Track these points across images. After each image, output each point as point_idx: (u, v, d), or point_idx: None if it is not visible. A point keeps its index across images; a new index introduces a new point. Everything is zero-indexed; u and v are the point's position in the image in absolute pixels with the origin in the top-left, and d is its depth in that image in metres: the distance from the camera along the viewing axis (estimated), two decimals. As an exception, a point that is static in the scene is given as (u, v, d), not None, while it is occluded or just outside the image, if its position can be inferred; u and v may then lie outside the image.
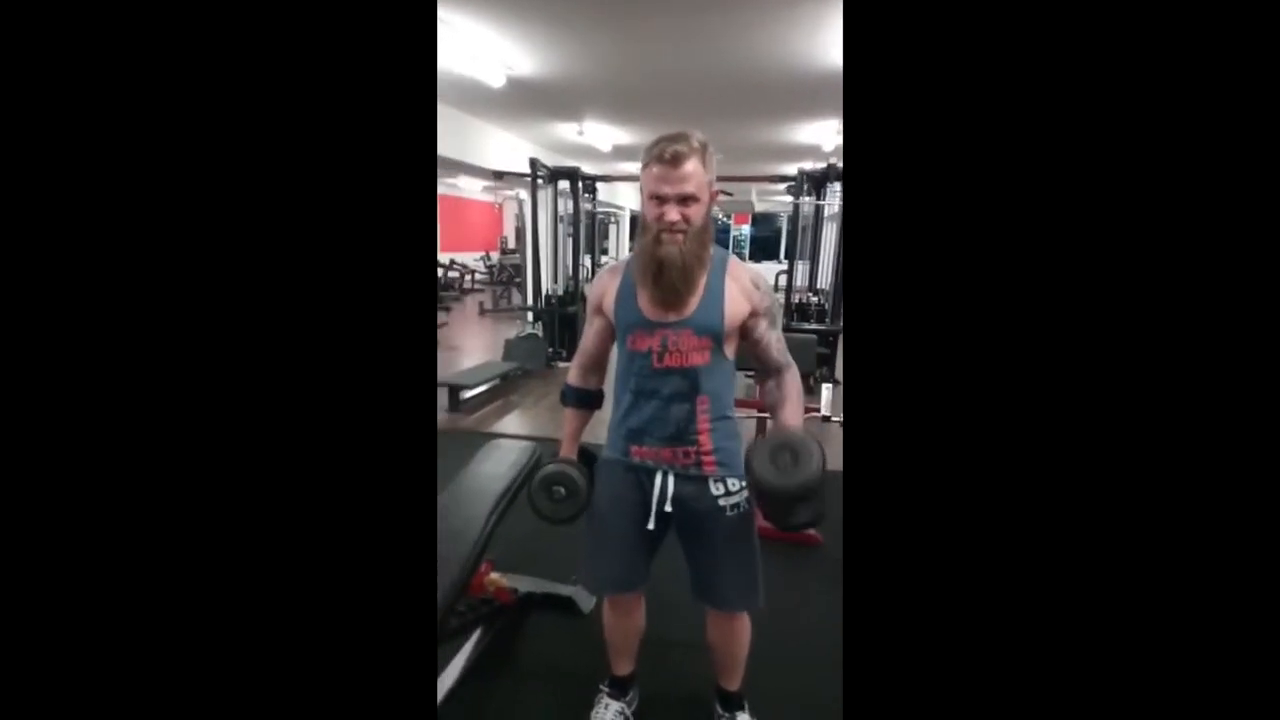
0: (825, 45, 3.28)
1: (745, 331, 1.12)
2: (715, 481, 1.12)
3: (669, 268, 1.02)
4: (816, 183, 4.80)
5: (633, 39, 3.38)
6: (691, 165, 0.99)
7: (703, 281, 1.06)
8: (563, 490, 1.17)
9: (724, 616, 1.24)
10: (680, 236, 1.01)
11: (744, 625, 1.25)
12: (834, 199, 4.79)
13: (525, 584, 1.78)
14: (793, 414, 1.12)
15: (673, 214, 1.00)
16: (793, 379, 1.14)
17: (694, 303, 1.06)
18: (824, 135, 5.63)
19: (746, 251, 13.26)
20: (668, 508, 1.12)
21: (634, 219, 12.14)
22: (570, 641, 1.65)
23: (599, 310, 1.17)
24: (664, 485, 1.12)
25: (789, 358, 1.15)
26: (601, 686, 1.36)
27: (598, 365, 1.24)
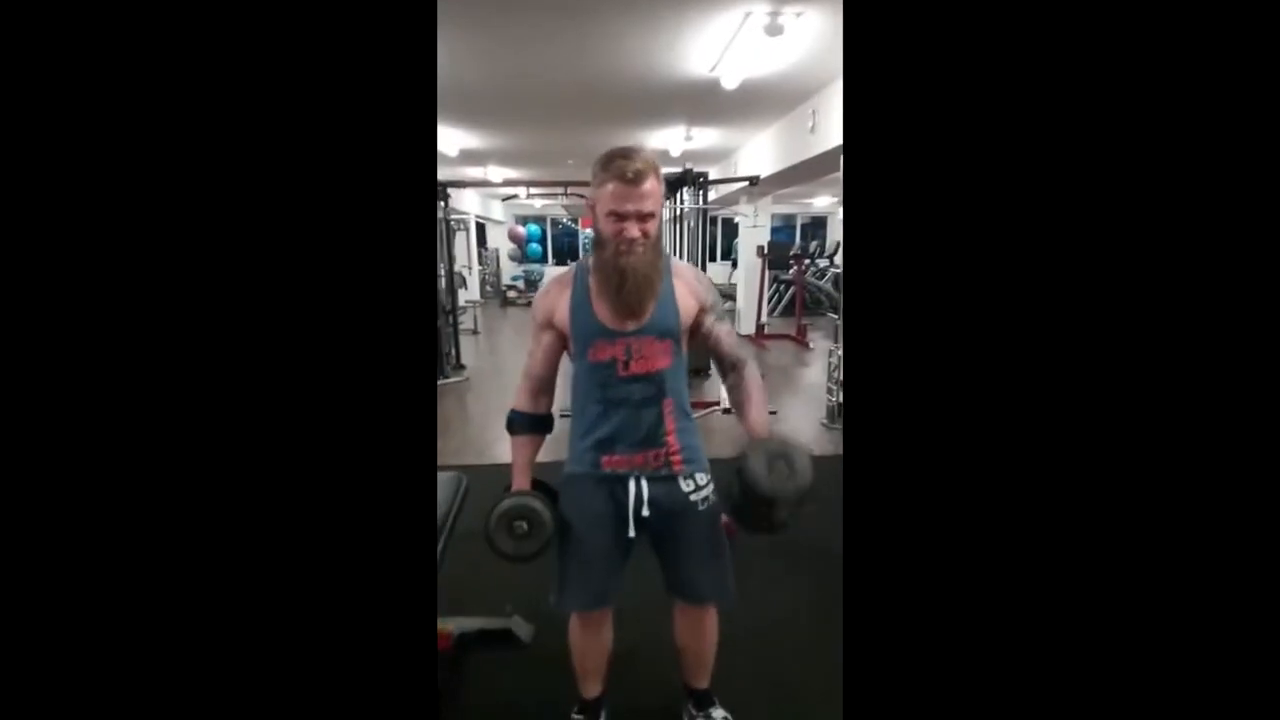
0: (680, 54, 3.41)
1: (695, 328, 1.14)
2: (685, 479, 1.14)
3: (632, 277, 1.03)
4: (672, 186, 4.99)
5: (482, 42, 3.27)
6: (650, 183, 1.01)
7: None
8: (525, 525, 1.11)
9: (695, 614, 1.25)
10: (640, 249, 1.02)
11: (714, 621, 1.27)
12: (688, 200, 5.02)
13: (457, 624, 1.65)
14: (759, 413, 1.16)
15: (633, 230, 1.02)
16: (752, 375, 1.18)
17: (650, 308, 1.07)
18: (673, 140, 5.86)
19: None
20: (645, 512, 1.12)
21: (480, 226, 11.74)
22: (517, 675, 1.56)
23: (548, 325, 1.14)
24: (639, 491, 1.12)
25: (742, 350, 1.19)
26: (574, 716, 1.31)
27: (548, 385, 1.19)
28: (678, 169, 4.86)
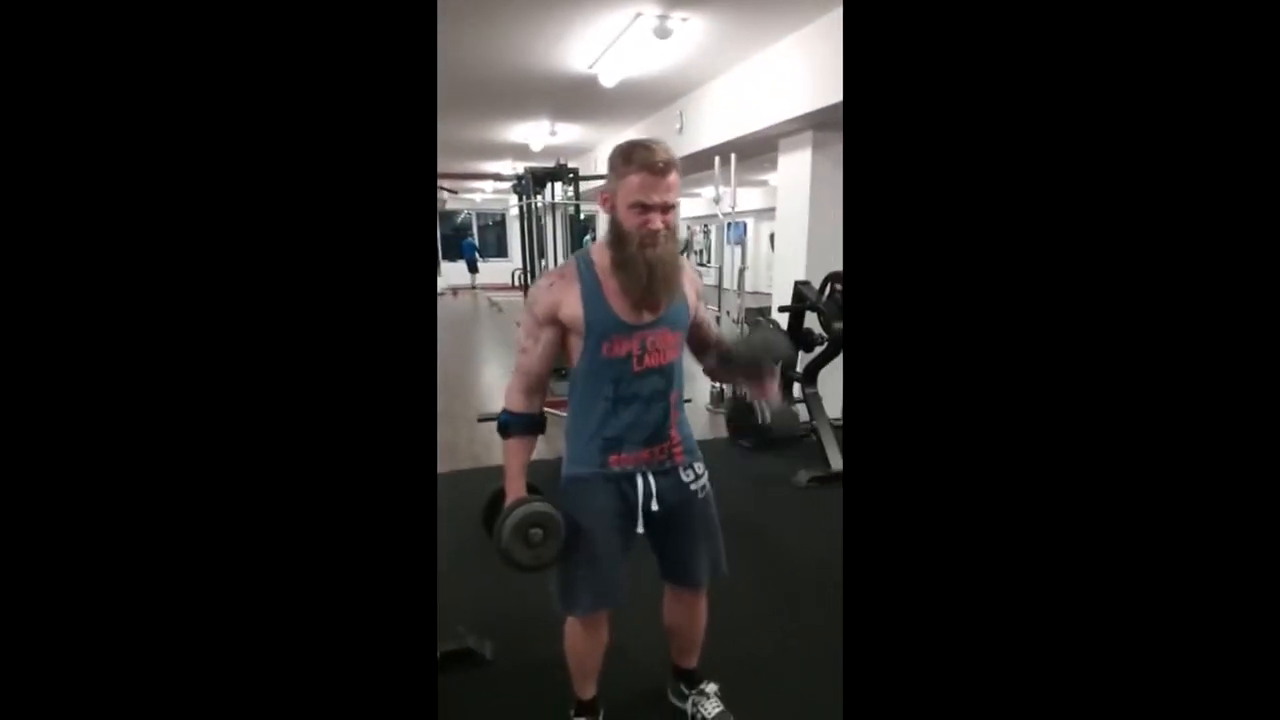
0: (561, 50, 3.38)
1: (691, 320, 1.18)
2: (685, 469, 1.18)
3: (660, 268, 1.04)
4: (540, 181, 4.92)
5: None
6: (674, 175, 1.03)
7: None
8: (540, 532, 1.09)
9: (689, 597, 1.29)
10: (663, 240, 1.04)
11: (704, 603, 1.32)
12: (559, 195, 4.99)
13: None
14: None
15: (657, 222, 1.03)
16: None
17: (665, 301, 1.09)
18: (534, 135, 5.77)
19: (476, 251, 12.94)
20: (655, 506, 1.14)
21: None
22: (497, 691, 1.50)
23: (551, 321, 1.10)
24: (647, 486, 1.14)
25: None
26: (574, 719, 1.29)
27: (543, 384, 1.16)
28: (549, 164, 4.81)
